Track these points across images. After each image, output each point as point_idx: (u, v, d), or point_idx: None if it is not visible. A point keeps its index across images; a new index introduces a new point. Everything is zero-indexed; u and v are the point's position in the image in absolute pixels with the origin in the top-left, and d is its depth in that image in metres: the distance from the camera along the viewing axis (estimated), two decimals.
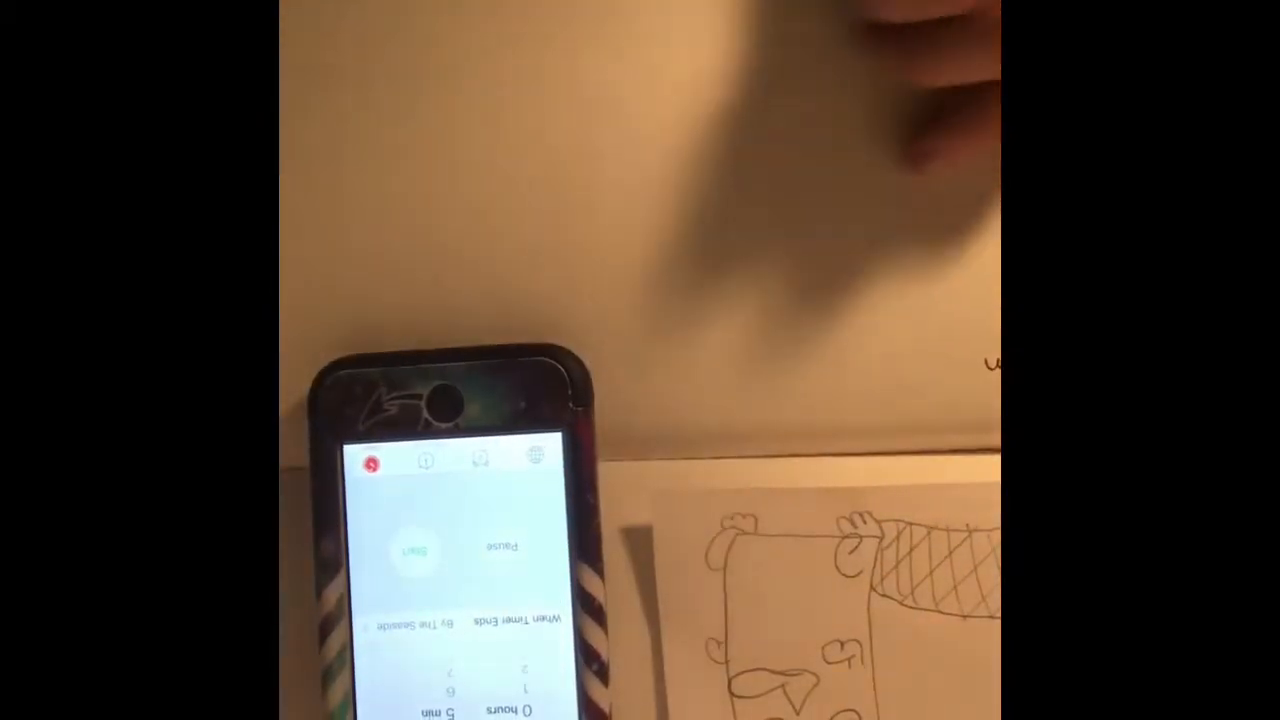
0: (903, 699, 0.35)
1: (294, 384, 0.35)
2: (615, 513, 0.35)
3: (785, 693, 0.35)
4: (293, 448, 0.35)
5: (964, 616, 0.35)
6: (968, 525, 0.35)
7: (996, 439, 0.35)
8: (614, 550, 0.35)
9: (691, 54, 0.36)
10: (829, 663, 0.35)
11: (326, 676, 0.34)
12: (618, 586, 0.35)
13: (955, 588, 0.35)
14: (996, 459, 0.35)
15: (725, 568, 0.35)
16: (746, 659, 0.35)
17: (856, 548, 0.35)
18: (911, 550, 0.35)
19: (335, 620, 0.34)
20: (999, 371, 0.36)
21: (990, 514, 0.35)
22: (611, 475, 0.35)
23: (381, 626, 0.35)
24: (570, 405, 0.34)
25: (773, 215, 0.36)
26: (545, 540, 0.34)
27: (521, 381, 0.34)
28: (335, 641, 0.34)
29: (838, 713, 0.35)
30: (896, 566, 0.35)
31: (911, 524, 0.35)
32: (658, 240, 0.36)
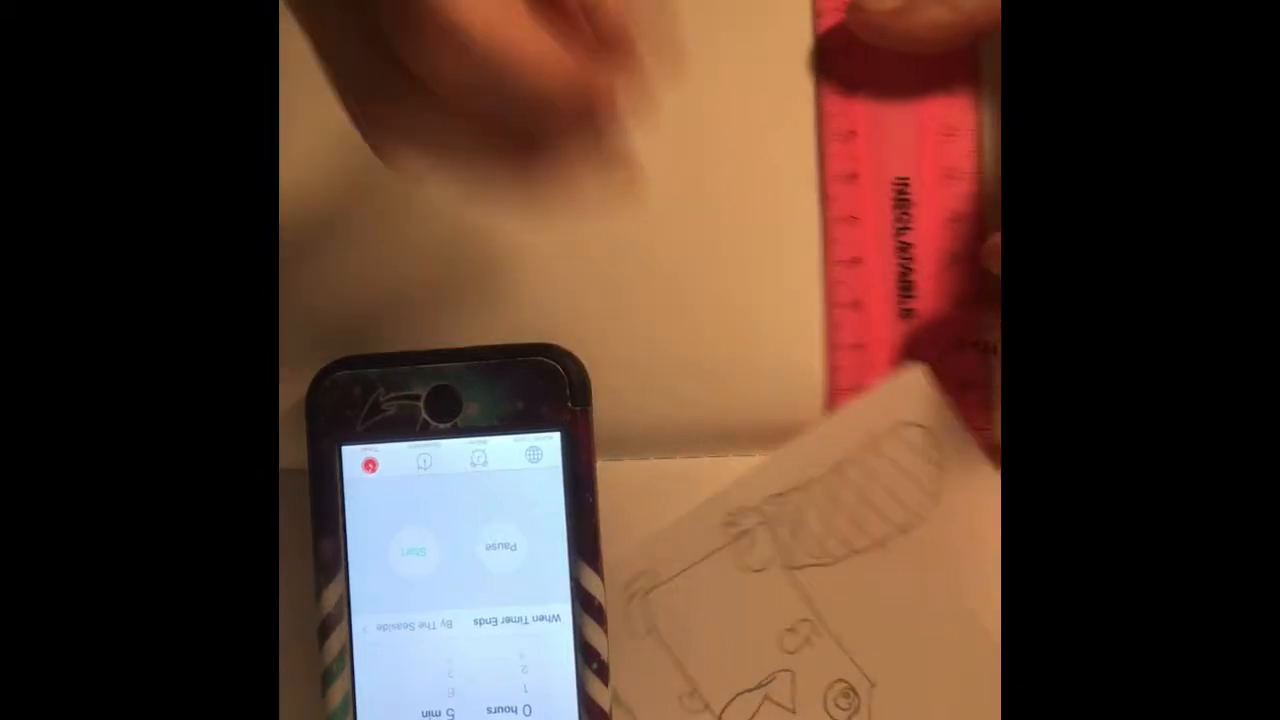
0: (874, 644, 0.35)
1: (292, 385, 0.35)
2: (614, 512, 0.35)
3: (772, 699, 0.35)
4: (291, 449, 0.35)
5: (881, 544, 0.35)
6: (831, 463, 0.35)
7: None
8: (613, 549, 0.35)
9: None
10: (791, 653, 0.35)
11: (326, 678, 0.34)
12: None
13: (859, 525, 0.35)
14: None
15: (654, 629, 0.35)
16: (721, 692, 0.35)
17: (752, 542, 0.35)
18: (798, 514, 0.35)
19: (335, 621, 0.34)
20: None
21: (837, 449, 0.35)
22: (610, 475, 0.35)
23: (381, 627, 0.35)
24: (569, 405, 0.34)
25: (770, 213, 0.36)
26: (544, 540, 0.34)
27: (520, 381, 0.34)
28: (335, 643, 0.34)
29: (830, 687, 0.35)
30: (794, 536, 0.35)
31: (781, 494, 0.35)
32: (657, 240, 0.36)
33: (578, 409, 0.34)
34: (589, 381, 0.35)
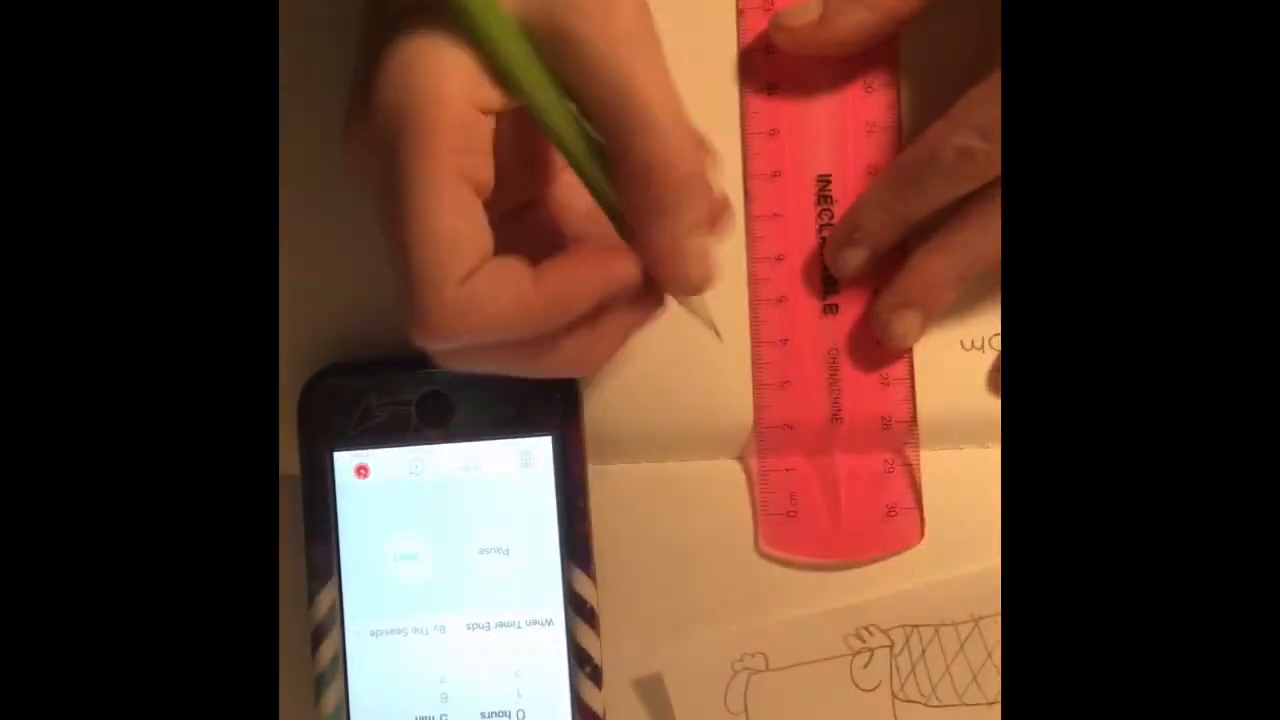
0: None
1: (285, 391, 0.35)
2: (606, 516, 0.35)
3: None
4: (284, 455, 0.35)
5: (989, 703, 0.35)
6: (973, 615, 0.35)
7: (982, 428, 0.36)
8: (605, 553, 0.35)
9: (694, 49, 0.36)
10: None
11: (319, 684, 0.34)
12: (609, 589, 0.35)
13: (975, 678, 0.35)
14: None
15: (746, 710, 0.35)
16: None
17: (870, 660, 0.35)
18: (924, 651, 0.35)
19: (327, 628, 0.34)
20: (981, 353, 0.36)
21: (993, 601, 0.35)
22: (602, 479, 0.35)
23: (374, 633, 0.35)
24: (560, 409, 0.35)
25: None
26: (536, 544, 0.35)
27: (511, 386, 0.34)
28: (328, 649, 0.34)
29: None
30: (913, 670, 0.35)
31: (918, 626, 0.35)
32: None
33: (569, 413, 0.35)
34: (580, 385, 0.35)
